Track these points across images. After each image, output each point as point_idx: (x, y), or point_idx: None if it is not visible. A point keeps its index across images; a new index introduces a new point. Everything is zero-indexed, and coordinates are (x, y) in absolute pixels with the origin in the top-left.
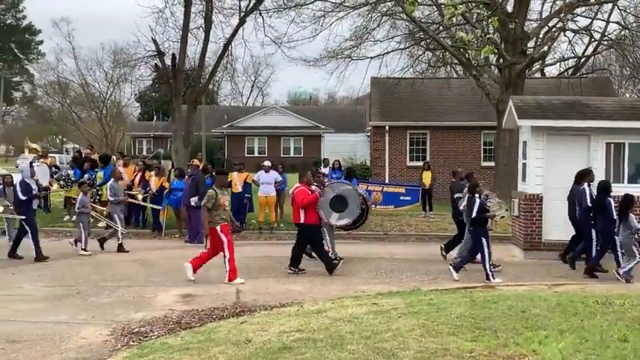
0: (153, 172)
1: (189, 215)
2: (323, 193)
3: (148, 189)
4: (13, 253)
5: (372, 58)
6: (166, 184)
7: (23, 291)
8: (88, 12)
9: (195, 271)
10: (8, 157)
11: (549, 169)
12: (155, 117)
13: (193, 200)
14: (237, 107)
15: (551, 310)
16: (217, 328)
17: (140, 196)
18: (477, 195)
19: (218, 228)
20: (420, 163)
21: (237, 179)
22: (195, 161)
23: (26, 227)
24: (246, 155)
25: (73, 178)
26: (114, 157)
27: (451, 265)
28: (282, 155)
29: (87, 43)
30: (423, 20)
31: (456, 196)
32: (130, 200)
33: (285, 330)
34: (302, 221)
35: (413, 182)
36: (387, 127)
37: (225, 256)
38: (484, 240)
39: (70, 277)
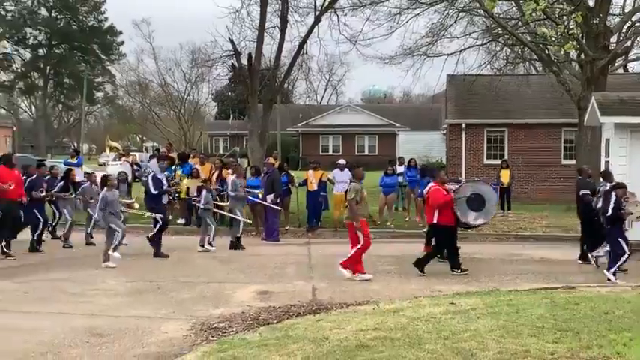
0: (230, 171)
1: (266, 213)
2: (459, 190)
3: (225, 187)
4: (159, 253)
5: (448, 55)
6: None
7: (107, 286)
8: (167, 13)
9: (353, 270)
10: (91, 156)
11: (633, 167)
12: (231, 116)
13: (269, 198)
14: (311, 106)
15: (636, 312)
16: (294, 325)
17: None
18: (613, 193)
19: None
20: (498, 162)
21: (312, 177)
22: (271, 159)
23: (159, 221)
24: (320, 153)
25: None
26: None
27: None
28: (356, 153)
29: (166, 43)
30: (501, 16)
31: (582, 193)
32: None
33: (362, 328)
34: (435, 221)
35: (490, 181)
36: (463, 125)
37: (354, 249)
38: (621, 239)
39: (151, 273)
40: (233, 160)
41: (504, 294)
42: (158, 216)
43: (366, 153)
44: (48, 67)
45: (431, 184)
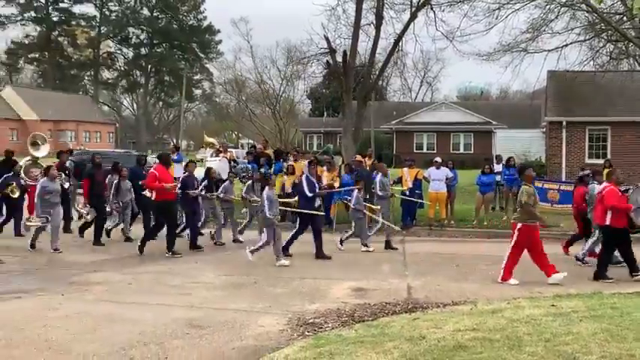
0: (325, 167)
1: None
2: (635, 192)
3: (319, 184)
4: (285, 251)
5: (549, 51)
6: (337, 179)
7: (205, 279)
8: (264, 11)
9: (549, 273)
10: (188, 152)
11: None
12: (325, 113)
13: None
14: (406, 103)
15: None
16: (390, 323)
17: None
18: None
19: (519, 225)
20: (600, 161)
21: (407, 175)
22: (358, 157)
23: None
24: (414, 151)
25: (251, 172)
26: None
27: None
28: (451, 151)
29: (263, 41)
30: (605, 11)
31: None
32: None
33: (459, 328)
34: (607, 223)
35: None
36: (564, 123)
37: (509, 254)
38: None
39: (247, 268)
40: (328, 157)
41: (607, 297)
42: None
43: (462, 151)
44: (149, 66)
45: (605, 184)
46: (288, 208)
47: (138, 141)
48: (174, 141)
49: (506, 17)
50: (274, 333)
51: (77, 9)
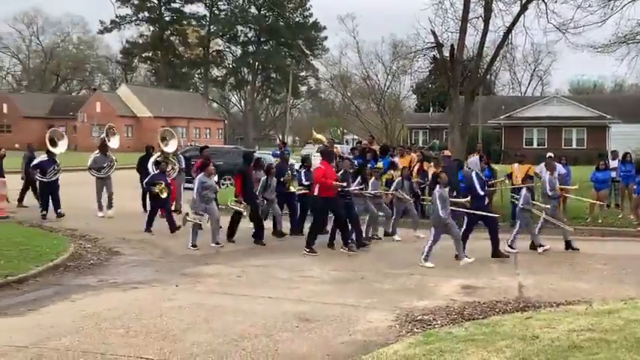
0: (432, 163)
1: None
2: None
3: (426, 179)
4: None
5: None
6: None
7: (313, 273)
8: (370, 7)
9: None
10: (294, 148)
11: None
12: (431, 108)
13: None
14: (515, 97)
15: None
16: (501, 322)
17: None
18: None
19: None
20: None
21: (517, 171)
22: (446, 152)
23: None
24: (524, 146)
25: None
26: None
27: None
28: (563, 147)
29: (369, 37)
30: None
31: None
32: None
33: (574, 328)
34: None
35: None
36: None
37: None
38: None
39: (355, 263)
40: (438, 153)
41: None
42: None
43: (574, 146)
44: (256, 63)
45: None
46: (460, 208)
47: (245, 137)
48: (280, 137)
49: (623, 8)
50: (382, 329)
51: (188, 9)
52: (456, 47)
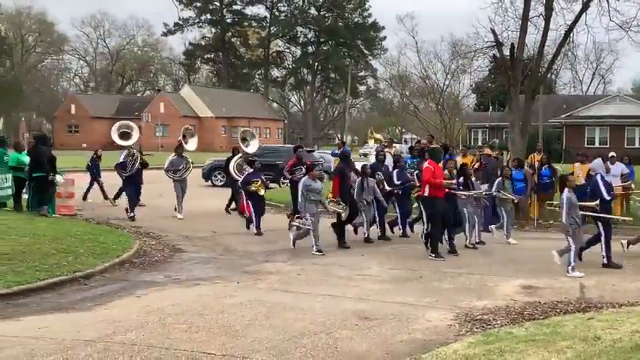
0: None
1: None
2: None
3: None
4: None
5: None
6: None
7: (372, 272)
8: (429, 6)
9: None
10: (352, 147)
11: None
12: (491, 107)
13: (483, 188)
14: (576, 96)
15: None
16: (562, 322)
17: None
18: None
19: None
20: None
21: (579, 171)
22: (487, 150)
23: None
24: (585, 146)
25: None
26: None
27: None
28: (625, 146)
29: (428, 36)
30: None
31: None
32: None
33: (637, 329)
34: None
35: None
36: None
37: None
38: None
39: (413, 262)
40: (499, 152)
41: None
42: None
43: (637, 146)
44: (315, 63)
45: None
46: (590, 213)
47: (305, 136)
48: (339, 136)
49: None
50: (442, 328)
51: (249, 10)
52: (516, 46)
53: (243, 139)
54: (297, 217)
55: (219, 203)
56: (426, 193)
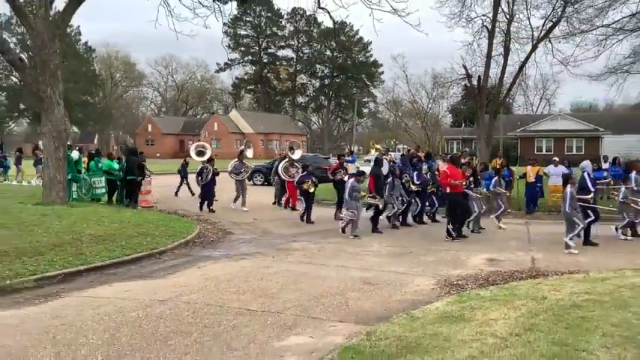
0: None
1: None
2: None
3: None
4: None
5: None
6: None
7: (373, 249)
8: (415, 48)
9: None
10: (358, 155)
11: None
12: (463, 124)
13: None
14: (528, 115)
15: None
16: (518, 287)
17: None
18: None
19: None
20: None
21: (530, 172)
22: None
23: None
24: (535, 153)
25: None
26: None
27: None
28: (566, 153)
29: (415, 70)
30: None
31: None
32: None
33: (575, 292)
34: None
35: None
36: None
37: None
38: None
39: (405, 241)
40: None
41: None
42: None
43: (574, 152)
44: (330, 92)
45: None
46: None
47: (322, 147)
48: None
49: (612, 46)
50: (427, 291)
51: (280, 53)
52: (482, 77)
53: (291, 148)
54: (347, 210)
55: (259, 198)
56: (448, 191)
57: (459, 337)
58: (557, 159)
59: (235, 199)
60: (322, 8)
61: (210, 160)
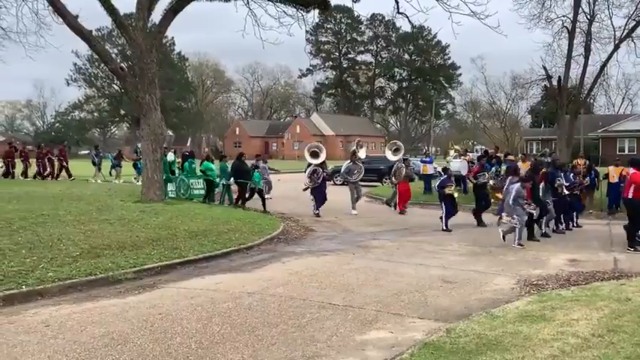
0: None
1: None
2: None
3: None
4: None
5: None
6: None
7: (452, 247)
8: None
9: None
10: (436, 155)
11: None
12: (543, 124)
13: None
14: (610, 115)
15: None
16: (600, 287)
17: None
18: None
19: None
20: None
21: (613, 172)
22: (510, 156)
23: None
24: (617, 153)
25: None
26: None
27: None
28: None
29: (494, 72)
30: None
31: None
32: None
33: None
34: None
35: None
36: None
37: None
38: None
39: (484, 241)
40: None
41: None
42: None
43: None
44: (408, 95)
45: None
46: None
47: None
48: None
49: None
50: (506, 290)
51: (359, 58)
52: (562, 78)
53: (396, 149)
54: (507, 216)
55: (337, 197)
56: (630, 195)
57: (539, 337)
58: (638, 158)
59: (353, 205)
60: (401, 13)
61: (322, 163)
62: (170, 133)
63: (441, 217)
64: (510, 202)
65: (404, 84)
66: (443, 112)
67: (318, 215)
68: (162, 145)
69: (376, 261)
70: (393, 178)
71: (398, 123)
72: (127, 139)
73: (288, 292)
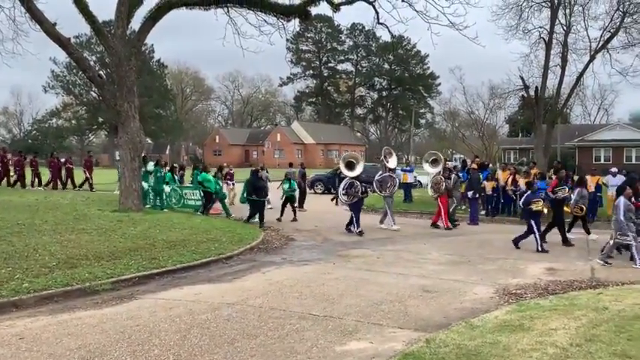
0: (522, 175)
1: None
2: None
3: (517, 188)
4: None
5: None
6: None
7: (432, 257)
8: (473, 60)
9: None
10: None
11: None
12: (520, 134)
13: (470, 194)
14: (586, 125)
15: None
16: (578, 296)
17: None
18: None
19: None
20: None
21: (590, 181)
22: (474, 165)
23: None
24: (593, 162)
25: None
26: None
27: None
28: (624, 162)
29: (472, 82)
30: None
31: None
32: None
33: (637, 302)
34: None
35: None
36: None
37: None
38: None
39: (463, 250)
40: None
41: None
42: None
43: (633, 162)
44: (388, 104)
45: None
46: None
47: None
48: (406, 157)
49: None
50: (485, 299)
51: (340, 67)
52: (539, 88)
53: (435, 161)
54: (621, 235)
55: (318, 206)
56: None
57: (518, 347)
58: (615, 169)
59: (383, 218)
60: (381, 24)
61: (358, 177)
62: (149, 140)
63: (519, 238)
64: (621, 217)
65: (384, 93)
66: (422, 121)
67: (361, 234)
68: (141, 154)
69: (356, 270)
70: (432, 192)
71: (378, 132)
72: (105, 147)
73: (268, 303)
